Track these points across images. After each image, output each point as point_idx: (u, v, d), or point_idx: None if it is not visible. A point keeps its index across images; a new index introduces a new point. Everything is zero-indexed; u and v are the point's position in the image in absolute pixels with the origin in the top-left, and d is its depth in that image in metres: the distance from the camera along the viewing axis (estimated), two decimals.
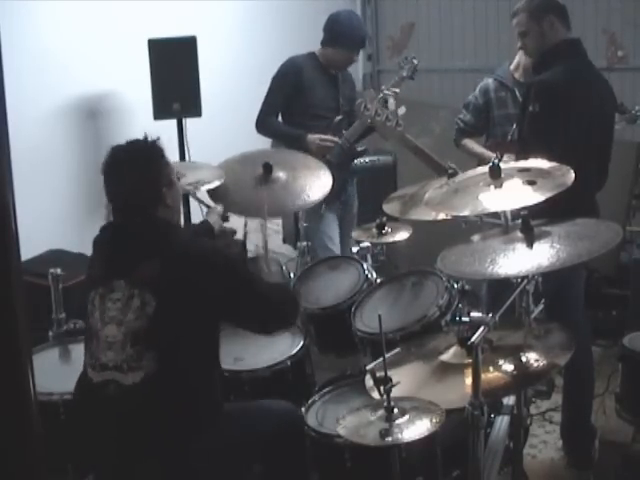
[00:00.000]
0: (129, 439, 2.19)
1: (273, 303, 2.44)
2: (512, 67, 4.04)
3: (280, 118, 4.11)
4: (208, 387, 2.33)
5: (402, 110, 3.32)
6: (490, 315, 2.08)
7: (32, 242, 3.32)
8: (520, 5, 3.24)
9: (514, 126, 3.61)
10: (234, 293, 2.33)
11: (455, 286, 2.75)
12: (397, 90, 3.76)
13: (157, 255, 2.27)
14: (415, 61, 3.91)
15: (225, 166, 3.33)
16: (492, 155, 3.62)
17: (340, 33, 4.05)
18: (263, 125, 4.07)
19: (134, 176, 2.34)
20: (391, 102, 3.35)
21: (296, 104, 4.06)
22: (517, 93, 3.92)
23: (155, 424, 2.17)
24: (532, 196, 2.30)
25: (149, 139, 2.40)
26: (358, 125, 3.95)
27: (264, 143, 4.16)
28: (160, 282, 2.24)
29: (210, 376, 2.35)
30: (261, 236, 2.90)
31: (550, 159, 2.55)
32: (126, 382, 2.19)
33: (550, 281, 2.41)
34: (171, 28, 4.47)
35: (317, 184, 3.21)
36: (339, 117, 4.14)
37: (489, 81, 4.08)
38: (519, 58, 3.97)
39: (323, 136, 4.00)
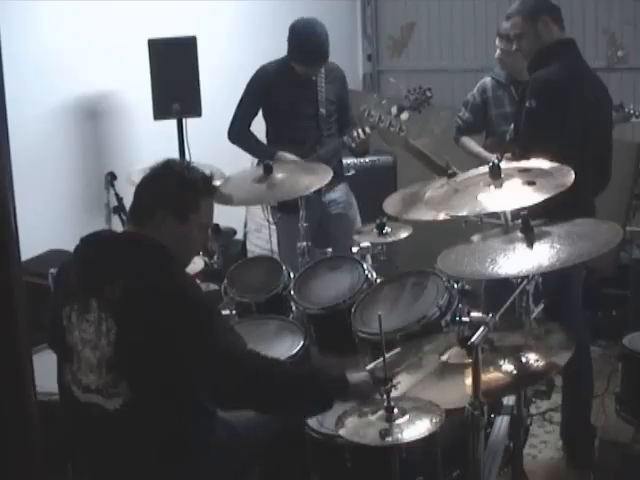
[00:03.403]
0: (117, 460, 2.16)
1: (243, 371, 2.12)
2: None
3: (265, 123, 4.03)
4: (195, 404, 2.19)
5: (405, 116, 3.34)
6: (490, 315, 2.08)
7: (32, 242, 3.32)
8: (513, 8, 3.26)
9: (511, 125, 3.62)
10: (196, 344, 2.08)
11: (455, 286, 2.75)
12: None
13: (122, 278, 2.10)
14: (429, 93, 3.63)
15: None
16: (489, 155, 3.64)
17: (294, 47, 3.86)
18: (239, 136, 3.99)
19: (150, 183, 2.26)
20: (394, 108, 3.35)
21: (270, 109, 3.97)
22: (513, 91, 3.93)
23: (141, 447, 2.12)
24: (532, 196, 2.30)
25: (203, 172, 2.29)
26: (332, 148, 3.81)
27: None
28: (120, 309, 2.09)
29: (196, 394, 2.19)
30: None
31: (548, 155, 2.54)
32: (108, 407, 2.12)
33: (550, 281, 2.41)
34: (171, 28, 4.47)
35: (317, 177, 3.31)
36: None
37: (487, 80, 4.09)
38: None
39: (294, 157, 3.77)
